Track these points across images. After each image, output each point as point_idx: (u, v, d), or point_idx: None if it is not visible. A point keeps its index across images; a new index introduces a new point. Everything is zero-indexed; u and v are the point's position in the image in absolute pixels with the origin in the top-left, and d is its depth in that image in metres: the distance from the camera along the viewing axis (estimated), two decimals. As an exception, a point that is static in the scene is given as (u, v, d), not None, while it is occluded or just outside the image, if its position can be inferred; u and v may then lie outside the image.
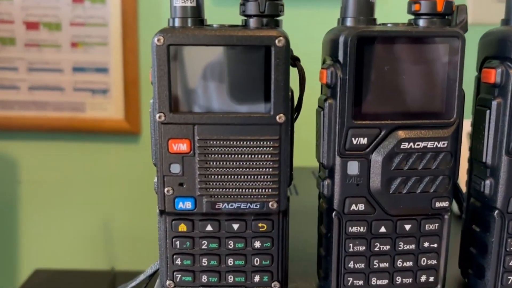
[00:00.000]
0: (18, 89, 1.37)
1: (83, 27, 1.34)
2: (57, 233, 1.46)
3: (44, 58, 1.36)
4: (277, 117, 0.43)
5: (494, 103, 0.44)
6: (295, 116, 0.47)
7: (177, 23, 0.43)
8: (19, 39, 1.35)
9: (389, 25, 0.44)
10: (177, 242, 0.45)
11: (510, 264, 0.46)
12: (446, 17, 0.44)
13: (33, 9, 1.33)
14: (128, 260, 1.45)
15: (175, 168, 0.44)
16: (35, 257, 1.47)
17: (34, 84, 1.37)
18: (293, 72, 0.45)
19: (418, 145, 0.44)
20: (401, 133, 0.43)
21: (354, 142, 0.43)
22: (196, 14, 0.43)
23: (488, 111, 0.44)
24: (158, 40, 0.41)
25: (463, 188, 0.51)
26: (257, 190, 0.44)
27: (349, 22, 0.44)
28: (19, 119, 1.38)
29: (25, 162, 1.44)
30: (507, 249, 0.46)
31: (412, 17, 0.44)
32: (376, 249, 0.46)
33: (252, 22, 0.44)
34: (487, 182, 0.45)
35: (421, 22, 0.44)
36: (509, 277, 0.46)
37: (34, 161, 1.43)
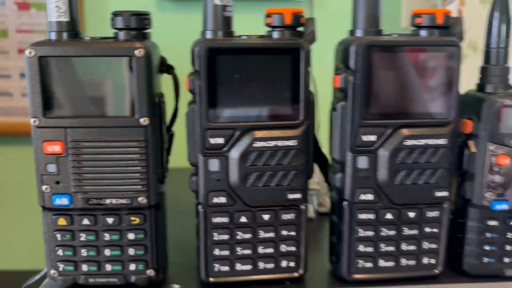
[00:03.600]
0: (-33, 95, 1.40)
1: (30, 33, 1.37)
2: (11, 233, 1.49)
3: (-9, 64, 1.39)
4: (141, 120, 0.47)
5: (338, 106, 0.49)
6: (170, 121, 0.53)
7: (53, 36, 0.48)
8: (-34, 46, 1.38)
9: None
10: (58, 235, 0.50)
11: (359, 249, 0.51)
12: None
13: (-20, 17, 1.36)
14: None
15: (51, 168, 0.48)
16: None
17: (-17, 90, 1.40)
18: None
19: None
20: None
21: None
22: (71, 28, 0.48)
23: (334, 113, 0.50)
24: (30, 52, 0.45)
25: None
26: (127, 187, 0.48)
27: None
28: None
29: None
30: (357, 236, 0.51)
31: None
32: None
33: (121, 34, 0.48)
34: (338, 176, 0.51)
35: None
36: (358, 260, 0.51)
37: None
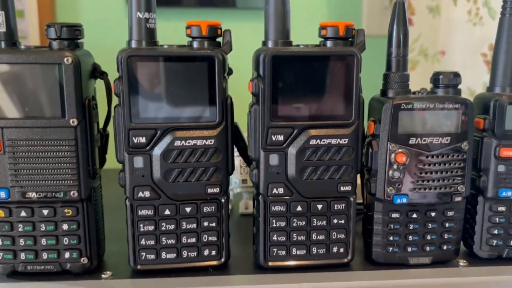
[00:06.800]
0: None
1: None
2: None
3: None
4: (71, 121, 0.52)
5: (252, 109, 0.54)
6: (104, 123, 0.58)
7: None
8: None
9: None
10: (-3, 226, 0.55)
11: (273, 238, 0.56)
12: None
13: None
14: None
15: (-11, 164, 0.53)
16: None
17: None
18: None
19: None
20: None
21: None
22: (8, 37, 0.53)
23: (249, 115, 0.55)
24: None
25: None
26: (59, 181, 0.53)
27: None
28: None
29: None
30: (271, 226, 0.56)
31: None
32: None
33: (55, 44, 0.53)
34: (254, 172, 0.56)
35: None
36: (273, 249, 0.57)
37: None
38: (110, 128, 0.59)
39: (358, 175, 0.57)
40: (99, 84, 0.58)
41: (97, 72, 0.57)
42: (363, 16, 1.42)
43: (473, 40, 1.19)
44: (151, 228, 0.55)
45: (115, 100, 0.57)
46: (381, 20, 1.39)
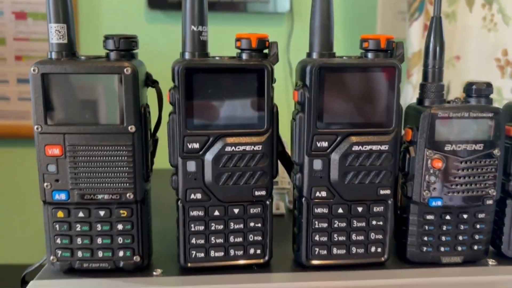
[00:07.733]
0: (-34, 99, 1.47)
1: (26, 41, 1.45)
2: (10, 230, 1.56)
3: (-10, 70, 1.46)
4: (129, 128, 0.55)
5: (297, 117, 0.57)
6: (154, 128, 0.61)
7: (54, 56, 0.56)
8: (-34, 53, 1.45)
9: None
10: (57, 226, 0.58)
11: (315, 239, 0.60)
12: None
13: (-21, 25, 1.43)
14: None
15: (52, 168, 0.56)
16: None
17: (-19, 94, 1.47)
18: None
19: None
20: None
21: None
22: (68, 48, 0.56)
23: (294, 122, 0.58)
24: (34, 70, 0.54)
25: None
26: (116, 184, 0.57)
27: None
28: (-33, 126, 1.48)
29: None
30: (313, 227, 0.60)
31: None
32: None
33: (112, 54, 0.56)
34: (298, 176, 0.59)
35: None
36: (315, 248, 0.60)
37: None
38: (159, 133, 0.63)
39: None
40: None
41: (149, 81, 0.60)
42: (378, 20, 1.46)
43: (488, 46, 1.23)
44: (201, 228, 0.59)
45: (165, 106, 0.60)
46: (396, 24, 1.42)
